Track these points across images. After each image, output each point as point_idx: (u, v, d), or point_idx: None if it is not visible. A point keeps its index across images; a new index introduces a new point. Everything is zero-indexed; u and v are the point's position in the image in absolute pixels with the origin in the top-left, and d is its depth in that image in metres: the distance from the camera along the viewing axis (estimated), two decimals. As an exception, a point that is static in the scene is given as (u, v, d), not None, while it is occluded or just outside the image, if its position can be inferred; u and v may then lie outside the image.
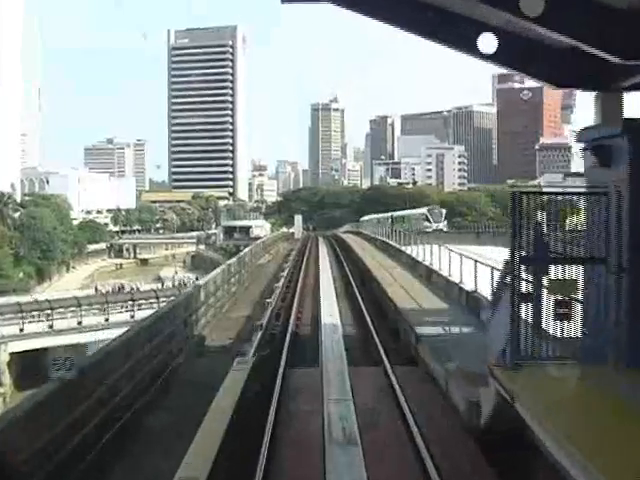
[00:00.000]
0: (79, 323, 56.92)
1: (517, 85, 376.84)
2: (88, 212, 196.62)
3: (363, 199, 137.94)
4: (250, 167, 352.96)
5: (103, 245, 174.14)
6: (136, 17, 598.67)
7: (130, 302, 61.74)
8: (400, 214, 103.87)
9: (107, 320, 58.37)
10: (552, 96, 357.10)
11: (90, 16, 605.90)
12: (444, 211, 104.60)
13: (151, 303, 60.43)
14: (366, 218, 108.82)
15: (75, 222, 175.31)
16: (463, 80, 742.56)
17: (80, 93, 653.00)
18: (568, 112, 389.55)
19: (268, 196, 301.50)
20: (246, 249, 44.59)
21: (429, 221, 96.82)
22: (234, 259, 36.07)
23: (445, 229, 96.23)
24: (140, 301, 62.43)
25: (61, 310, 57.26)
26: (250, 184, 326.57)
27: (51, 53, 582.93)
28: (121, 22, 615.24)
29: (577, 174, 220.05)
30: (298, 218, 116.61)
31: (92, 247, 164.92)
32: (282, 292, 30.75)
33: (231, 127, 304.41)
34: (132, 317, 55.48)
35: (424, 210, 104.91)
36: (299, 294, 29.69)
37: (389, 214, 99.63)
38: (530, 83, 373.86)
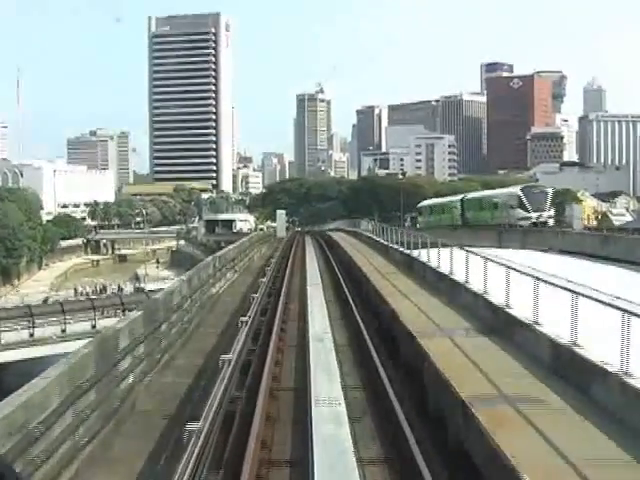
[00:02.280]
0: (31, 335, 49.46)
1: (506, 74, 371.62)
2: (64, 206, 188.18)
3: (352, 190, 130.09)
4: (235, 159, 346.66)
5: (79, 241, 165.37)
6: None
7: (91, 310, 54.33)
8: (477, 195, 74.91)
9: (64, 331, 50.99)
10: (543, 84, 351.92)
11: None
12: (550, 191, 61.36)
13: (116, 311, 53.61)
14: (426, 203, 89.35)
15: (49, 217, 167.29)
16: (450, 69, 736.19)
17: (63, 83, 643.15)
18: (558, 101, 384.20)
19: (253, 188, 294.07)
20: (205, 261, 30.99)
21: (524, 208, 57.80)
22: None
23: (551, 222, 58.90)
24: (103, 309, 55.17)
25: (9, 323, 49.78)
26: (235, 176, 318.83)
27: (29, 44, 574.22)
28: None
29: (574, 163, 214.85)
30: (281, 214, 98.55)
31: (66, 243, 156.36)
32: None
33: (214, 117, 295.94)
34: (93, 327, 48.21)
35: (515, 190, 63.44)
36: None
37: (457, 197, 76.15)
38: (520, 71, 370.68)
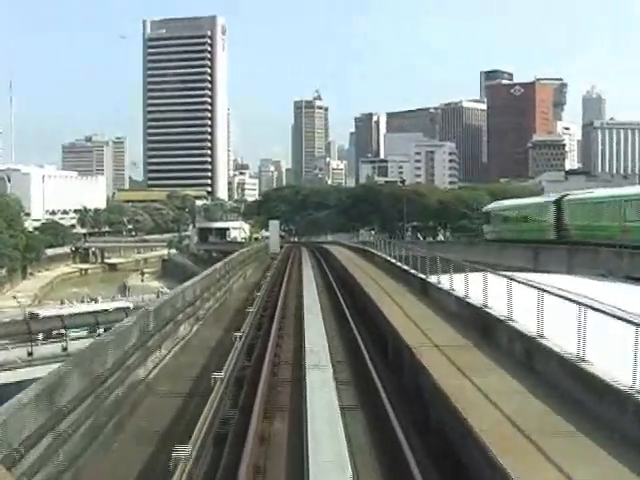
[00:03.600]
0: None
1: (505, 82, 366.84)
2: (53, 213, 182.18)
3: (352, 198, 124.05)
4: (232, 166, 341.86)
5: (67, 249, 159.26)
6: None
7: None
8: (592, 196, 44.68)
9: (31, 354, 45.17)
10: (544, 92, 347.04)
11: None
12: None
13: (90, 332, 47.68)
14: (497, 206, 66.03)
15: (36, 224, 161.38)
16: (449, 76, 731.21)
17: (56, 89, 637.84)
18: (559, 109, 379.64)
19: (250, 195, 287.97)
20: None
21: None
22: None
23: None
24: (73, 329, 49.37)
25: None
26: (230, 183, 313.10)
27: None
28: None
29: (579, 172, 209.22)
30: (274, 225, 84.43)
31: (53, 251, 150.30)
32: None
33: (210, 122, 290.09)
34: (65, 349, 42.47)
35: None
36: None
37: (551, 197, 52.18)
38: (519, 79, 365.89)
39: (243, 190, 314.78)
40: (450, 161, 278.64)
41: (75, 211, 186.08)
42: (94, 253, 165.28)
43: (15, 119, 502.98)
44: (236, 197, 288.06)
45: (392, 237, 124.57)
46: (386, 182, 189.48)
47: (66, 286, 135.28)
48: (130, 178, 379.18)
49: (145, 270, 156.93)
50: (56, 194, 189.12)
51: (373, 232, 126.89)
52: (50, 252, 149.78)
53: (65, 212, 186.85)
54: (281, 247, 78.34)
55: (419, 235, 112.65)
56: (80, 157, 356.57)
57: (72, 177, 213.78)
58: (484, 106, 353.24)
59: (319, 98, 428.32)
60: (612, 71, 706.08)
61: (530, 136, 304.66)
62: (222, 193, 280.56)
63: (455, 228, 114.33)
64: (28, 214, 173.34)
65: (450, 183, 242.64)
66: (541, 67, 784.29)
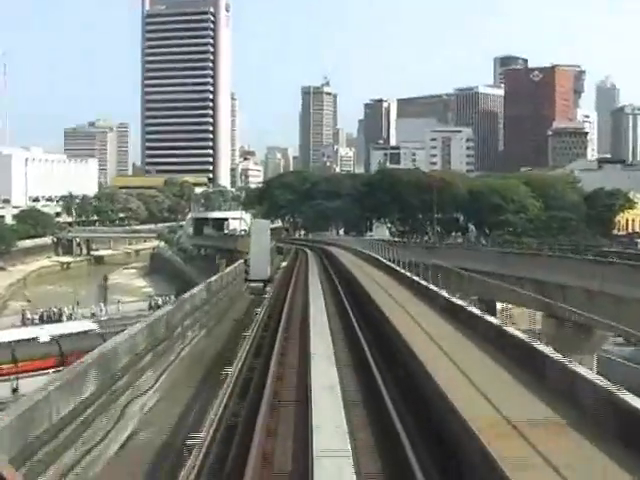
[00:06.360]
0: None
1: (521, 67, 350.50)
2: (35, 199, 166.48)
3: (367, 186, 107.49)
4: (236, 151, 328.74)
5: (48, 240, 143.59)
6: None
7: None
8: None
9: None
10: (564, 78, 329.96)
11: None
12: None
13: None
14: None
15: (16, 211, 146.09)
16: (459, 62, 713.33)
17: (56, 70, 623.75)
18: (577, 97, 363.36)
19: (254, 183, 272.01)
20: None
21: None
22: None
23: None
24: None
25: None
26: (234, 170, 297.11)
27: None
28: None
29: (614, 161, 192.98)
30: (260, 228, 48.34)
31: (32, 242, 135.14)
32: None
33: (212, 105, 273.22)
34: (15, 391, 32.60)
35: None
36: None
37: None
38: (536, 63, 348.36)
39: (247, 177, 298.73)
40: (468, 148, 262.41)
41: (61, 198, 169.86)
42: (78, 244, 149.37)
43: (17, 103, 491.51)
44: (240, 185, 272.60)
45: (416, 234, 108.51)
46: (398, 169, 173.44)
47: (42, 282, 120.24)
48: (134, 164, 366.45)
49: (133, 265, 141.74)
50: (42, 179, 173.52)
51: (390, 227, 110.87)
52: (29, 243, 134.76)
53: (50, 199, 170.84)
54: (278, 262, 50.70)
55: (480, 238, 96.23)
56: (83, 142, 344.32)
57: (60, 161, 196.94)
58: (501, 92, 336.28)
59: (327, 84, 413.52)
60: (626, 60, 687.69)
61: (549, 124, 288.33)
62: (224, 180, 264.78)
63: (491, 224, 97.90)
64: (7, 200, 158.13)
65: (467, 171, 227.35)
66: (556, 55, 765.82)
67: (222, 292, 31.08)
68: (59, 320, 64.15)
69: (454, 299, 17.78)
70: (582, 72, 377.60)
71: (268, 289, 32.76)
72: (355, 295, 24.31)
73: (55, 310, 68.94)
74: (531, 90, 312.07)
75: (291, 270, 39.37)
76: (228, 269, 35.88)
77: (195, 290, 25.45)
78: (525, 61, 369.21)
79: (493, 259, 46.77)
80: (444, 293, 18.68)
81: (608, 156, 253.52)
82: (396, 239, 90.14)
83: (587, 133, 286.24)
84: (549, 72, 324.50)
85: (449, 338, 14.53)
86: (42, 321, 63.77)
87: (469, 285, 19.82)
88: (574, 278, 32.73)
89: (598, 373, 9.26)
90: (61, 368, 23.85)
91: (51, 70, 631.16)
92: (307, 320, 17.85)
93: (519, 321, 69.79)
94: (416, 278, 22.73)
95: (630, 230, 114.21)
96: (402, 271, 26.17)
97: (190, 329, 22.52)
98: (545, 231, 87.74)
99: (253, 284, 37.48)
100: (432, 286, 20.00)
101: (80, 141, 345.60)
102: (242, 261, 40.65)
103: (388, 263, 31.30)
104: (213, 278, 30.53)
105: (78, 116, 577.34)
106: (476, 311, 15.60)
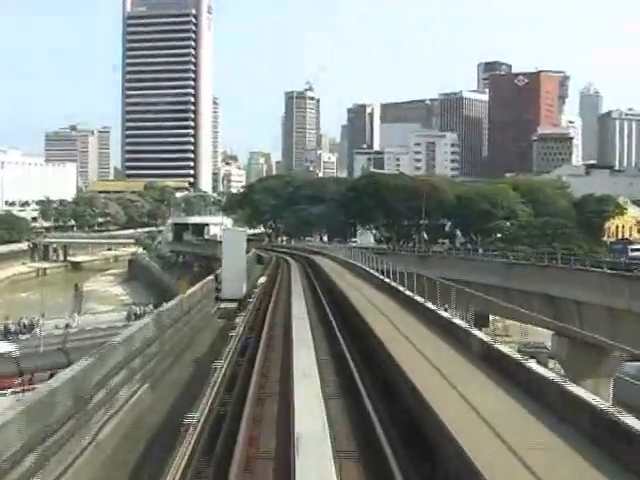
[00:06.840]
0: None
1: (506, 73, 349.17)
2: (11, 204, 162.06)
3: (353, 191, 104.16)
4: (219, 155, 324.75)
5: (24, 245, 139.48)
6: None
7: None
8: None
9: None
10: (549, 83, 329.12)
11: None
12: None
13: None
14: None
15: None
16: (443, 68, 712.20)
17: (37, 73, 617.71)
18: (561, 103, 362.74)
19: (236, 188, 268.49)
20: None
21: None
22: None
23: None
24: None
25: None
26: (216, 174, 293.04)
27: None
28: None
29: (601, 166, 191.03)
30: (233, 238, 37.79)
31: (7, 248, 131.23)
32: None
33: (193, 108, 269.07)
34: None
35: None
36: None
37: None
38: (520, 68, 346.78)
39: (230, 182, 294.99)
40: (452, 153, 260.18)
41: (38, 202, 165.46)
42: (55, 250, 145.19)
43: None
44: (221, 189, 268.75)
45: (402, 241, 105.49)
46: (383, 174, 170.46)
47: (15, 290, 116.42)
48: (115, 169, 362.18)
49: (111, 271, 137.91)
50: (18, 182, 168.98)
51: (375, 233, 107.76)
52: (3, 249, 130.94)
53: (26, 203, 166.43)
54: (258, 273, 43.84)
55: (467, 245, 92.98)
56: (64, 146, 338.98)
57: (37, 164, 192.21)
58: (485, 97, 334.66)
59: (310, 89, 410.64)
60: (608, 66, 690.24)
61: (534, 129, 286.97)
62: (206, 185, 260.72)
63: (481, 231, 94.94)
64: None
65: (452, 176, 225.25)
66: (540, 60, 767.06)
67: (182, 320, 22.95)
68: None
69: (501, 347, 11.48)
70: (567, 77, 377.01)
71: (242, 315, 23.83)
72: (357, 336, 16.65)
73: (26, 322, 65.16)
74: (515, 95, 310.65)
75: (269, 291, 30.62)
76: (191, 289, 27.52)
77: (134, 329, 16.57)
78: (509, 67, 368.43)
79: (497, 270, 43.61)
80: (481, 335, 12.67)
81: (593, 162, 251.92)
82: (383, 246, 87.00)
83: (572, 138, 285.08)
84: (534, 77, 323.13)
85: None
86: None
87: (487, 307, 16.09)
88: (593, 294, 29.36)
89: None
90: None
91: (32, 72, 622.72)
92: (290, 370, 11.60)
93: (512, 332, 66.98)
94: (431, 306, 16.57)
95: (620, 237, 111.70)
96: (417, 298, 18.55)
97: (124, 386, 14.57)
98: (539, 238, 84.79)
99: (225, 304, 30.93)
100: (460, 322, 14.13)
101: (61, 145, 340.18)
102: (211, 277, 34.40)
103: (389, 281, 24.51)
104: (168, 305, 22.22)
105: (59, 120, 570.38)
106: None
